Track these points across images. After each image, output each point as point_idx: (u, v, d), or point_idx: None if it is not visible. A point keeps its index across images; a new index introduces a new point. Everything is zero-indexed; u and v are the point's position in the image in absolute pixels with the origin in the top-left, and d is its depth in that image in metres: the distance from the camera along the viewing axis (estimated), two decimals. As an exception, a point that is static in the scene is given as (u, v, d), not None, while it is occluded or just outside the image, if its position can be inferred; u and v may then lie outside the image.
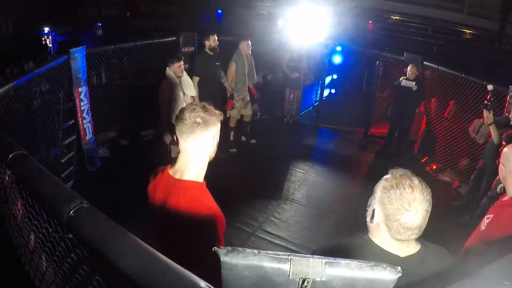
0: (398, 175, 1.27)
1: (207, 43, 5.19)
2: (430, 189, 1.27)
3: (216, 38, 5.22)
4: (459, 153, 5.52)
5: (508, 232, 1.80)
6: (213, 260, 0.77)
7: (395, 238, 1.27)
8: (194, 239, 1.45)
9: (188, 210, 1.47)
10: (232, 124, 5.64)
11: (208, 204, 1.51)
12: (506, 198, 2.01)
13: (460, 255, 2.03)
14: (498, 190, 2.62)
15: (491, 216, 1.99)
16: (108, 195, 3.98)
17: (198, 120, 1.51)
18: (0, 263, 2.26)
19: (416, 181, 1.25)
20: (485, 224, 1.99)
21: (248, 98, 5.76)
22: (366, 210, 1.36)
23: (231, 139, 5.62)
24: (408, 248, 1.31)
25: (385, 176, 1.30)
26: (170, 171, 1.59)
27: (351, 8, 9.83)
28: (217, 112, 1.61)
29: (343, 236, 1.56)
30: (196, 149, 1.54)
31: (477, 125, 5.31)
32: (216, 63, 5.27)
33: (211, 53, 5.20)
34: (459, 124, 5.64)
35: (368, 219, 1.34)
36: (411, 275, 1.22)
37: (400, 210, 1.22)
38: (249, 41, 5.48)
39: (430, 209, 1.25)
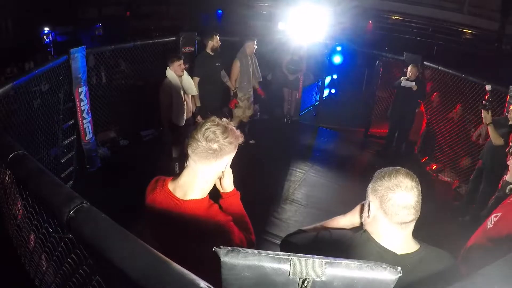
0: (384, 169, 1.35)
1: (210, 43, 5.15)
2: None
3: (219, 39, 5.20)
4: (460, 153, 5.53)
5: None
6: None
7: (394, 222, 1.27)
8: (206, 256, 1.34)
9: (197, 231, 1.39)
10: (235, 124, 5.62)
11: (216, 220, 1.42)
12: None
13: (462, 253, 2.02)
14: (507, 191, 2.63)
15: (499, 214, 1.97)
16: (108, 195, 3.97)
17: (215, 147, 1.36)
18: (0, 263, 2.26)
19: (401, 168, 1.32)
20: (492, 222, 1.97)
21: (252, 99, 5.76)
22: (361, 216, 1.39)
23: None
24: (406, 245, 1.31)
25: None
26: (170, 187, 1.47)
27: (351, 8, 9.83)
28: (238, 134, 1.44)
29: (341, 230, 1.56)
30: (205, 173, 1.42)
31: (480, 131, 5.26)
32: (217, 63, 5.26)
33: (212, 53, 5.18)
34: (459, 124, 5.65)
35: (365, 216, 1.37)
36: (406, 273, 1.21)
37: (391, 188, 1.27)
38: (255, 41, 5.47)
39: (420, 188, 1.29)
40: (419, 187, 1.28)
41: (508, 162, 2.07)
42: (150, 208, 1.50)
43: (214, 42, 5.14)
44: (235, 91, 5.52)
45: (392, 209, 1.26)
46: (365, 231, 1.37)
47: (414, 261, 1.29)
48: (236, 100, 5.53)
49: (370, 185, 1.34)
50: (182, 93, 4.45)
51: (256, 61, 5.69)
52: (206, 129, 1.37)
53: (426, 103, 6.18)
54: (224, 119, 1.45)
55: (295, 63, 6.78)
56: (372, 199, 1.32)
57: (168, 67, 4.35)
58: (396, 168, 1.32)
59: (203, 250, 1.29)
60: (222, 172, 1.47)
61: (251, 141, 5.94)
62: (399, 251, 1.29)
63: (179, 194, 1.44)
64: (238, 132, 1.45)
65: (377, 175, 1.33)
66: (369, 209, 1.33)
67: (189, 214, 1.40)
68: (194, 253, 1.33)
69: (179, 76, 4.41)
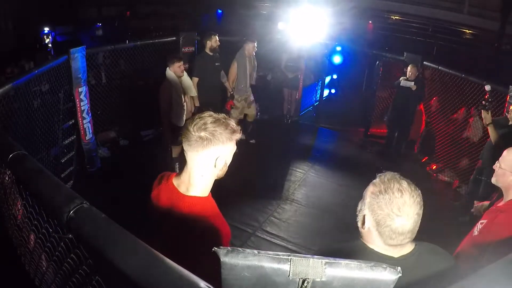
0: (386, 179, 1.24)
1: (208, 43, 5.15)
2: (420, 191, 1.24)
3: (218, 39, 5.19)
4: (460, 153, 5.54)
5: (500, 237, 1.79)
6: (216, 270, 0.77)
7: (387, 244, 1.25)
8: (197, 252, 1.33)
9: (193, 225, 1.39)
10: None
11: (212, 219, 1.42)
12: (501, 203, 2.00)
13: None
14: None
15: (484, 221, 1.97)
16: (108, 195, 3.98)
17: (202, 134, 1.35)
18: (0, 263, 2.26)
19: (404, 184, 1.22)
20: (478, 230, 1.98)
21: (252, 98, 5.74)
22: (356, 216, 1.35)
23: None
24: (402, 250, 1.30)
25: (373, 181, 1.28)
26: (175, 182, 1.48)
27: (351, 8, 9.83)
28: (233, 128, 1.39)
29: (337, 242, 1.56)
30: (197, 166, 1.41)
31: (470, 124, 5.38)
32: (216, 64, 5.25)
33: (211, 54, 5.18)
34: (459, 124, 5.66)
35: (359, 224, 1.32)
36: (407, 275, 1.21)
37: (390, 215, 1.20)
38: (255, 43, 5.43)
39: (421, 212, 1.23)
40: (422, 209, 1.22)
41: (494, 166, 2.08)
42: (154, 202, 1.53)
43: (213, 42, 5.13)
44: (232, 92, 5.51)
45: (388, 234, 1.22)
46: (359, 240, 1.35)
47: (413, 261, 1.28)
48: (232, 101, 5.51)
49: (367, 197, 1.26)
50: (181, 93, 4.45)
51: (255, 63, 5.66)
52: (197, 118, 1.38)
53: (425, 105, 6.18)
54: (222, 114, 1.44)
55: (294, 61, 6.77)
56: (368, 215, 1.26)
57: (168, 68, 4.35)
58: (401, 183, 1.22)
59: (201, 249, 1.28)
60: (217, 169, 1.44)
61: (251, 141, 5.94)
62: (396, 255, 1.29)
63: (182, 189, 1.46)
64: (234, 126, 1.42)
65: (377, 188, 1.24)
66: (364, 221, 1.29)
67: (187, 210, 1.41)
68: (193, 252, 1.33)
69: (179, 77, 4.42)
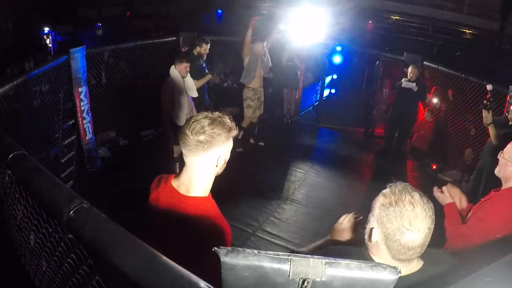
0: (397, 190, 1.18)
1: (198, 48, 5.18)
2: (432, 204, 1.19)
3: (208, 48, 5.20)
4: (460, 153, 5.54)
5: (489, 214, 1.94)
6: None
7: (395, 258, 1.18)
8: (200, 254, 1.29)
9: (195, 227, 1.39)
10: (245, 124, 5.60)
11: (215, 219, 1.42)
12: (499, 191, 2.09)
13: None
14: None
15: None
16: (108, 195, 3.98)
17: (202, 138, 1.34)
18: (0, 263, 2.26)
19: (416, 196, 1.16)
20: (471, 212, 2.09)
21: (262, 99, 5.73)
22: (364, 227, 1.28)
23: (239, 137, 5.46)
24: (409, 266, 1.22)
25: (383, 191, 1.22)
26: (174, 183, 1.48)
27: (351, 8, 9.83)
28: (229, 125, 1.39)
29: (342, 244, 1.52)
30: (199, 168, 1.41)
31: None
32: (203, 65, 5.23)
33: (198, 56, 5.17)
34: (459, 124, 5.65)
35: (366, 237, 1.26)
36: None
37: (400, 229, 1.13)
38: (265, 43, 5.42)
39: (433, 226, 1.16)
40: (433, 223, 1.15)
41: (498, 156, 2.14)
42: (154, 205, 1.52)
43: (202, 49, 5.17)
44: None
45: (396, 248, 1.16)
46: (364, 249, 1.29)
47: (418, 280, 1.21)
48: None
49: (376, 209, 1.19)
50: (184, 93, 4.45)
51: (268, 62, 5.62)
52: (193, 122, 1.37)
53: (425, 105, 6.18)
54: (217, 112, 1.42)
55: (292, 59, 6.76)
56: (377, 228, 1.19)
57: (173, 66, 4.35)
58: (413, 195, 1.15)
59: (202, 249, 1.27)
60: (218, 168, 1.45)
61: (260, 143, 5.91)
62: (402, 272, 1.23)
63: (182, 190, 1.45)
64: (230, 124, 1.41)
65: (387, 199, 1.17)
66: (371, 234, 1.22)
67: (190, 211, 1.41)
68: (194, 252, 1.33)
69: (183, 77, 4.42)
